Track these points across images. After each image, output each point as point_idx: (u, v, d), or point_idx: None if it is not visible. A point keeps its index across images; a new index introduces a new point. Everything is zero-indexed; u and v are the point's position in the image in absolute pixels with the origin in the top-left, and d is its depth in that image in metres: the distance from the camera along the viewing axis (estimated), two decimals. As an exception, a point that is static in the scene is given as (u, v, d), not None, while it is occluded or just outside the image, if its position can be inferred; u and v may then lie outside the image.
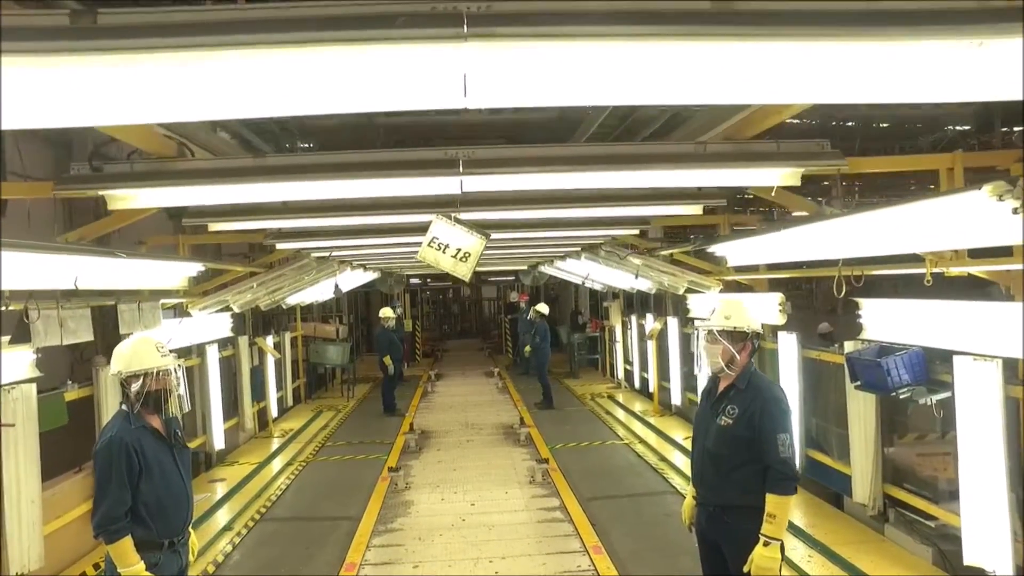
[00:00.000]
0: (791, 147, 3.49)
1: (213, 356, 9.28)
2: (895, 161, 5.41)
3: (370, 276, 14.48)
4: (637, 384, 14.06)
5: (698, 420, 3.98)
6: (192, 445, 9.16)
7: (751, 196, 15.55)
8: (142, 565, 3.44)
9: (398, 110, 2.99)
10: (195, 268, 6.54)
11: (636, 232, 6.97)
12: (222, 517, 7.40)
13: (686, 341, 11.18)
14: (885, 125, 10.73)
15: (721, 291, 9.15)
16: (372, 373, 15.70)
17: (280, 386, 12.85)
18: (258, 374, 11.40)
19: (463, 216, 4.26)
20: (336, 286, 11.75)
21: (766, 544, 3.45)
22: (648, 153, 3.53)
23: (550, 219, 6.42)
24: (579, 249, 9.82)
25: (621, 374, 15.15)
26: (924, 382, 5.25)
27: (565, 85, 2.16)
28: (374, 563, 6.07)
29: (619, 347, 15.23)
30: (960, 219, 3.15)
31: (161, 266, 6.26)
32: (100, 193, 3.49)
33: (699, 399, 4.08)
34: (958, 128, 10.57)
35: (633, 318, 14.19)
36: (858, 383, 5.87)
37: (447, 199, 4.36)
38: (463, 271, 4.26)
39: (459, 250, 4.23)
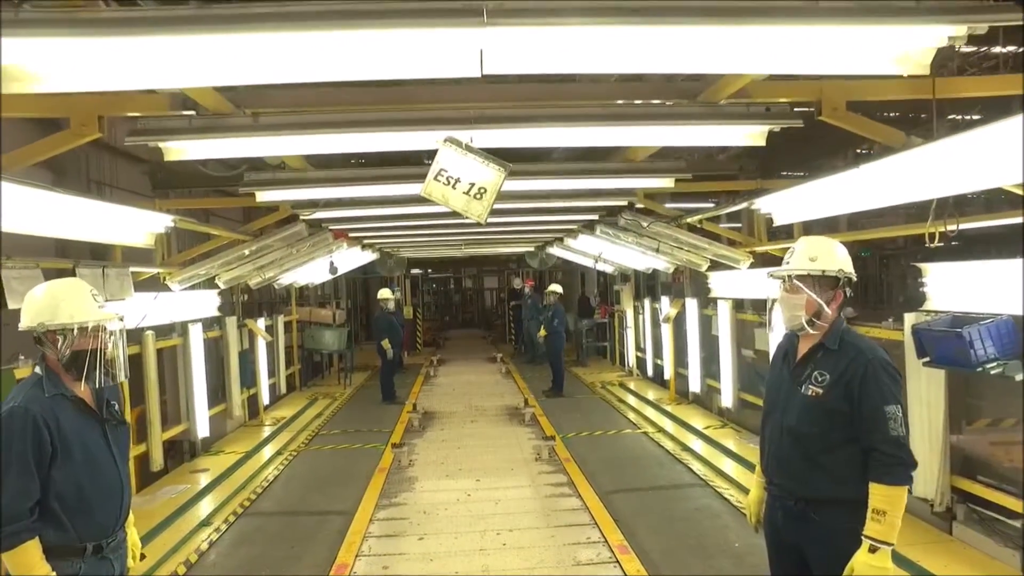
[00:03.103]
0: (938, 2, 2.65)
1: (197, 336, 8.52)
2: (1001, 81, 4.55)
3: (368, 256, 13.74)
4: (650, 372, 13.33)
5: (771, 391, 3.16)
6: (174, 432, 8.45)
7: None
8: None
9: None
10: (163, 223, 5.64)
11: (671, 181, 6.15)
12: (202, 510, 6.64)
13: (706, 324, 10.43)
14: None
15: (751, 266, 8.42)
16: (370, 361, 15.04)
17: (272, 372, 12.06)
18: (248, 358, 10.64)
19: (480, 134, 3.44)
20: (331, 264, 10.98)
21: (873, 550, 2.65)
22: (752, 6, 2.73)
23: (578, 153, 5.56)
24: (596, 218, 9.01)
25: (633, 361, 14.41)
26: (1016, 355, 4.47)
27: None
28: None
29: (630, 333, 14.48)
30: None
31: (117, 213, 5.21)
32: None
33: (771, 364, 3.27)
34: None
35: (646, 302, 13.45)
36: (927, 359, 5.10)
37: (458, 116, 3.56)
38: (478, 210, 3.48)
39: (472, 184, 3.45)
